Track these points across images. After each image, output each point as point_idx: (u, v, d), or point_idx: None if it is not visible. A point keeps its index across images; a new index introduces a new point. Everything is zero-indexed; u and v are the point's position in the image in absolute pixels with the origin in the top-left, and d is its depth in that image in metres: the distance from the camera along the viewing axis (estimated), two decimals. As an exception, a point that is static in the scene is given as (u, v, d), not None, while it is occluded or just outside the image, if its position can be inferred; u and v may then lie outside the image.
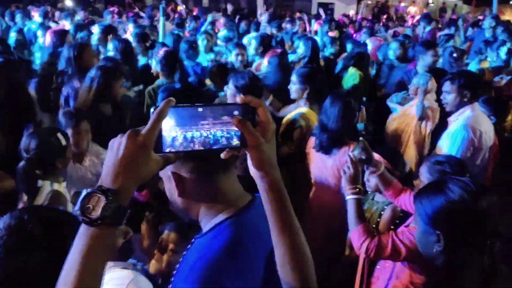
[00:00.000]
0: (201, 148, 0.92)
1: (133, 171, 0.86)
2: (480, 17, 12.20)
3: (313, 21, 8.35)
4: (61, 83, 3.75)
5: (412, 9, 18.59)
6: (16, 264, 1.16)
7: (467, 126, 3.09)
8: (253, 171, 0.95)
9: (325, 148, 2.96)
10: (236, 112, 0.92)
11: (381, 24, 10.91)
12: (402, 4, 19.34)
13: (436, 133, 3.66)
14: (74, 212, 0.84)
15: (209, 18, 7.26)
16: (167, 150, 0.91)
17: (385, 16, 14.09)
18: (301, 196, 3.17)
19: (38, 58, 5.58)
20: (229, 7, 12.58)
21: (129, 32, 6.44)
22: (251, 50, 5.14)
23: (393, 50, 5.29)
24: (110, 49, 4.54)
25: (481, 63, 5.79)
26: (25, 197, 2.22)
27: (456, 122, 3.20)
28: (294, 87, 3.44)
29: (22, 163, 2.26)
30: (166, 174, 1.12)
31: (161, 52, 3.98)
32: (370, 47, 6.35)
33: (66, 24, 7.00)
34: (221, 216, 1.12)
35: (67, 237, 0.97)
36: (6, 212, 1.26)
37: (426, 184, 1.75)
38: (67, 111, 2.89)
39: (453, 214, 1.47)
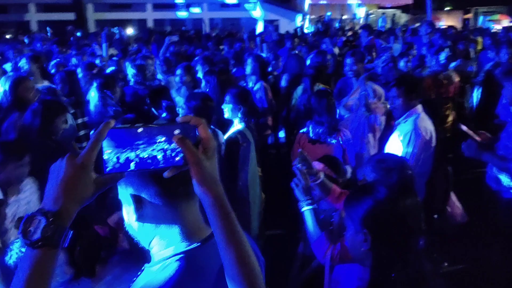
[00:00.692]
0: (141, 168, 0.93)
1: (73, 192, 0.88)
2: (417, 25, 12.86)
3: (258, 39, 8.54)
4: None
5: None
6: None
7: (417, 126, 3.18)
8: (196, 187, 0.96)
9: (324, 138, 3.61)
10: (177, 131, 0.94)
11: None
12: (344, 17, 20.09)
13: (382, 139, 3.81)
14: (17, 235, 0.85)
15: (167, 40, 7.30)
16: (108, 170, 0.92)
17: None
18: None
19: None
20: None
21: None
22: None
23: None
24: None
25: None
26: None
27: (405, 123, 3.27)
28: (228, 107, 3.51)
29: None
30: (126, 196, 1.10)
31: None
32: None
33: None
34: (175, 248, 1.09)
35: None
36: None
37: (356, 187, 1.79)
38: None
39: (377, 213, 1.52)
